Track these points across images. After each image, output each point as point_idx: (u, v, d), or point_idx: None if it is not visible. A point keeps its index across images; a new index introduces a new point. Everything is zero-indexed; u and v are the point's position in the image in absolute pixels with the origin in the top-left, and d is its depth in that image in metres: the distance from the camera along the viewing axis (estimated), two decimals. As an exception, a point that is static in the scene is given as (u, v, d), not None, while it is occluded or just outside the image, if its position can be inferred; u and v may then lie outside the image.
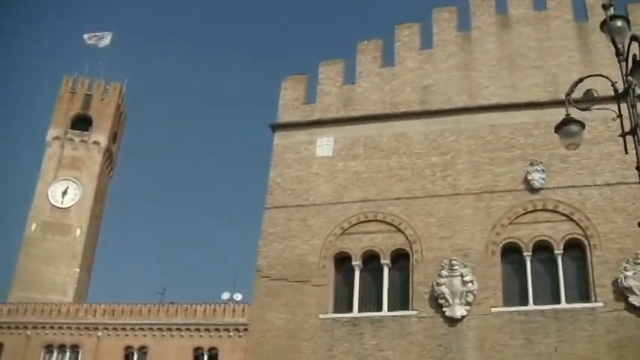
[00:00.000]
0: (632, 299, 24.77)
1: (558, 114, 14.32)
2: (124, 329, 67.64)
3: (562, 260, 26.55)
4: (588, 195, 27.07)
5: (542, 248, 26.92)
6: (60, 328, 68.60)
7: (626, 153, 13.12)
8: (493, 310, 25.99)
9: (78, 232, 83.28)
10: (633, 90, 12.76)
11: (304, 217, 29.51)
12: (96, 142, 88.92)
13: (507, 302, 26.31)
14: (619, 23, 13.42)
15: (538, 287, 26.47)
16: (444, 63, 31.52)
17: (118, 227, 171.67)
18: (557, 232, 26.81)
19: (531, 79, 30.01)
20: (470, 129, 29.59)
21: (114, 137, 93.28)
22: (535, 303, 26.03)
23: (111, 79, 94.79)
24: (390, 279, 27.96)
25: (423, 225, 28.09)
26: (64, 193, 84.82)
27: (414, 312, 26.66)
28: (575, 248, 26.67)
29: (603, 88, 13.75)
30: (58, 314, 69.70)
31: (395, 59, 32.31)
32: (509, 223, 27.32)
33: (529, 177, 27.72)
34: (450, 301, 26.10)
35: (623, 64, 13.03)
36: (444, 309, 26.17)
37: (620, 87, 13.16)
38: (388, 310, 27.27)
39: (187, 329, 66.91)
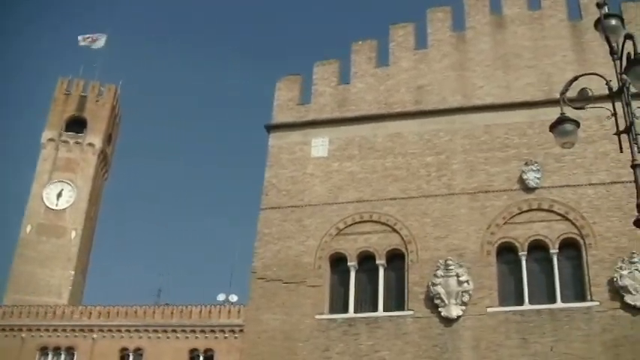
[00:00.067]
0: (628, 298, 24.77)
1: (553, 113, 14.30)
2: (120, 331, 67.65)
3: (557, 260, 26.55)
4: (583, 194, 27.09)
5: (538, 248, 26.92)
6: (55, 330, 68.60)
7: (621, 151, 13.10)
8: (489, 309, 25.98)
9: (73, 234, 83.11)
10: (628, 88, 12.75)
11: (299, 217, 29.48)
12: (91, 144, 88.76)
13: (503, 302, 26.30)
14: (613, 22, 13.41)
15: (534, 287, 26.46)
16: (438, 63, 31.52)
17: (112, 229, 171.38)
18: (553, 232, 26.81)
19: (526, 78, 30.02)
20: (464, 129, 29.59)
21: (109, 139, 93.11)
22: (531, 303, 26.02)
23: (106, 80, 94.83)
24: (385, 279, 27.94)
25: (418, 225, 28.07)
26: (59, 195, 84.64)
27: (410, 312, 26.64)
28: (571, 247, 26.67)
29: (598, 87, 13.72)
30: (53, 316, 69.69)
31: (389, 59, 32.30)
32: (505, 223, 27.31)
33: (524, 176, 27.72)
34: (446, 301, 26.08)
35: (618, 62, 13.03)
36: (439, 309, 26.15)
37: (615, 85, 13.14)
38: (384, 311, 27.25)
39: (183, 331, 66.95)
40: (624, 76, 12.57)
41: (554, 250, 26.54)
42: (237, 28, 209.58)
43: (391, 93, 31.38)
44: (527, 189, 27.63)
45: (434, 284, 26.42)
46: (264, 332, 27.51)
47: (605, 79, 13.29)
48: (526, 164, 27.90)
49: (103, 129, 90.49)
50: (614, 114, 13.00)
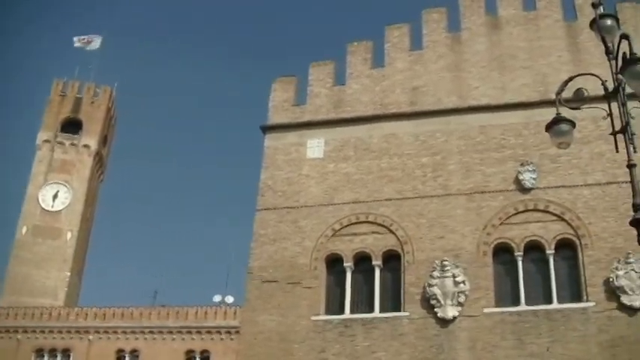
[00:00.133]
0: (624, 299, 24.78)
1: (548, 114, 14.29)
2: (116, 332, 67.62)
3: (553, 260, 26.56)
4: (579, 194, 27.10)
5: (534, 248, 26.93)
6: (51, 332, 68.54)
7: (617, 151, 13.10)
8: (485, 310, 25.97)
9: (68, 235, 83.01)
10: (623, 88, 12.75)
11: (295, 218, 29.46)
12: (86, 146, 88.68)
13: (499, 303, 26.30)
14: (608, 22, 13.42)
15: (530, 287, 26.46)
16: (433, 64, 31.52)
17: (108, 230, 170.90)
18: (549, 232, 26.81)
19: (521, 79, 30.02)
20: (460, 130, 29.59)
21: (104, 140, 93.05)
22: (527, 303, 26.02)
23: (101, 82, 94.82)
24: (381, 280, 27.93)
25: (414, 226, 28.07)
26: (55, 196, 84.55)
27: (406, 313, 26.63)
28: (567, 248, 26.69)
29: (593, 88, 13.72)
30: (48, 318, 69.63)
31: (385, 60, 32.30)
32: (501, 224, 27.32)
33: (520, 177, 27.73)
34: (442, 302, 26.07)
35: (613, 62, 13.03)
36: (435, 310, 26.15)
37: (610, 86, 13.14)
38: (380, 312, 27.24)
39: (179, 332, 66.93)
40: (620, 76, 12.57)
41: (550, 251, 26.55)
42: (233, 29, 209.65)
43: (387, 94, 31.37)
44: (523, 189, 27.64)
45: (430, 285, 26.42)
46: (260, 333, 27.48)
47: (600, 79, 13.29)
48: (522, 165, 27.91)
49: (98, 130, 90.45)
50: (610, 114, 13.00)
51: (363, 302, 27.89)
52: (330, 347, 26.68)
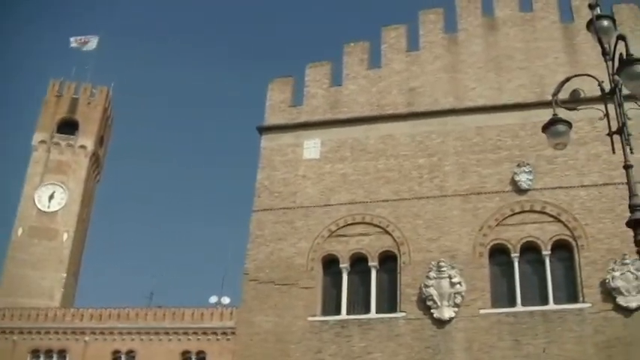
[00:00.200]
0: (620, 300, 24.81)
1: (545, 115, 14.27)
2: (112, 333, 67.53)
3: (550, 261, 26.57)
4: (576, 196, 27.11)
5: (530, 249, 26.94)
6: (47, 332, 68.45)
7: (614, 153, 13.10)
8: (481, 311, 25.98)
9: (65, 236, 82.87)
10: (620, 89, 12.75)
11: (292, 219, 29.45)
12: (82, 146, 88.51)
13: (495, 304, 26.31)
14: (605, 23, 13.41)
15: (526, 288, 26.48)
16: (430, 65, 31.52)
17: (105, 231, 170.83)
18: (545, 233, 26.83)
19: (518, 80, 30.04)
20: (456, 131, 29.61)
21: (100, 141, 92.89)
22: (523, 304, 26.03)
23: (98, 82, 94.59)
24: (377, 281, 27.93)
25: (410, 227, 28.07)
26: (51, 197, 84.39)
27: (402, 314, 26.63)
28: (563, 249, 26.70)
29: (590, 89, 13.72)
30: (45, 319, 69.50)
31: (381, 61, 32.30)
32: (497, 225, 27.33)
33: (516, 178, 27.75)
34: (438, 303, 26.08)
35: (610, 63, 13.03)
36: (432, 311, 26.15)
37: (607, 87, 13.14)
38: (376, 313, 27.24)
39: (175, 333, 66.86)
40: (616, 77, 12.57)
41: (546, 252, 26.57)
42: (230, 30, 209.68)
43: (383, 95, 31.37)
44: (520, 191, 27.65)
45: (426, 286, 26.43)
46: (257, 334, 27.47)
47: (597, 79, 13.29)
48: (518, 166, 27.92)
49: (94, 131, 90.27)
50: (607, 115, 13.00)
51: (360, 303, 27.88)
52: (326, 348, 26.67)
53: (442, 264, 26.55)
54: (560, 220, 26.85)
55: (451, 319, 25.95)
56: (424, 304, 26.38)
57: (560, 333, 24.96)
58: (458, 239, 27.36)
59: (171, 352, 66.24)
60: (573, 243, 26.38)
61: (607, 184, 26.82)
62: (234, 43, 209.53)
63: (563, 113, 13.65)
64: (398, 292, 27.17)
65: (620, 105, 12.80)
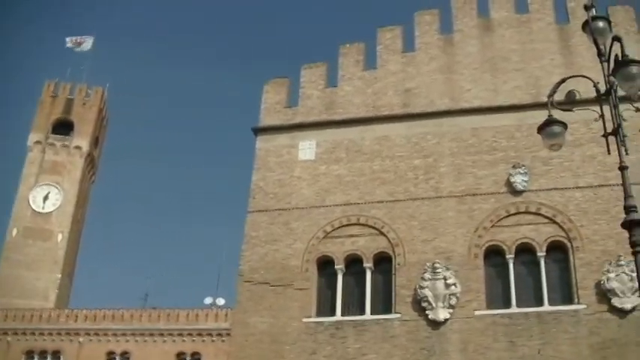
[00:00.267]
0: (615, 301, 24.82)
1: (540, 116, 14.28)
2: (106, 334, 67.40)
3: (545, 263, 26.57)
4: (571, 197, 27.12)
5: (525, 251, 26.94)
6: (41, 334, 68.29)
7: (609, 154, 13.09)
8: (476, 313, 25.97)
9: (59, 237, 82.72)
10: (615, 90, 12.74)
11: (287, 220, 29.42)
12: (77, 147, 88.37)
13: (490, 305, 26.30)
14: (601, 24, 13.41)
15: (521, 290, 26.47)
16: (426, 66, 31.52)
17: (99, 232, 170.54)
18: (540, 235, 26.83)
19: (513, 81, 30.05)
20: (452, 132, 29.60)
21: (96, 142, 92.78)
22: (518, 306, 26.03)
23: (93, 83, 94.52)
24: (372, 282, 27.91)
25: (405, 228, 28.05)
26: (46, 198, 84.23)
27: (397, 315, 26.61)
28: (558, 250, 26.71)
29: (585, 90, 13.74)
30: (39, 320, 69.34)
31: (377, 62, 32.30)
32: (492, 226, 27.33)
33: (511, 179, 27.75)
34: (433, 304, 26.06)
35: (605, 64, 13.02)
36: (427, 312, 26.13)
37: (602, 88, 13.13)
38: (371, 314, 27.21)
39: (170, 334, 66.74)
40: (612, 78, 12.57)
41: (541, 253, 26.57)
42: (225, 30, 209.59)
43: (379, 96, 31.36)
44: (515, 192, 27.66)
45: (421, 287, 26.41)
46: (252, 335, 27.43)
47: (592, 80, 13.29)
48: (514, 167, 27.93)
49: (90, 132, 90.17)
50: (602, 116, 12.99)
51: (355, 304, 27.85)
52: (321, 349, 26.64)
53: (437, 265, 26.53)
54: (555, 222, 26.86)
55: (446, 320, 25.94)
56: (419, 305, 26.36)
57: (555, 334, 24.96)
58: (453, 240, 27.35)
59: (166, 353, 66.13)
60: (568, 244, 26.39)
61: (602, 185, 26.84)
62: (230, 43, 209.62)
63: (558, 114, 13.64)
64: (393, 294, 27.15)
65: (616, 106, 12.80)
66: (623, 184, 12.60)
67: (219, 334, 65.14)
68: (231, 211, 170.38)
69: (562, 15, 31.18)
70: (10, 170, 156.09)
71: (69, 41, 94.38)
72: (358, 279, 28.16)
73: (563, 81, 13.98)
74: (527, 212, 27.31)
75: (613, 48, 12.99)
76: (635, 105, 12.70)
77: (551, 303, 25.86)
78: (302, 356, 26.64)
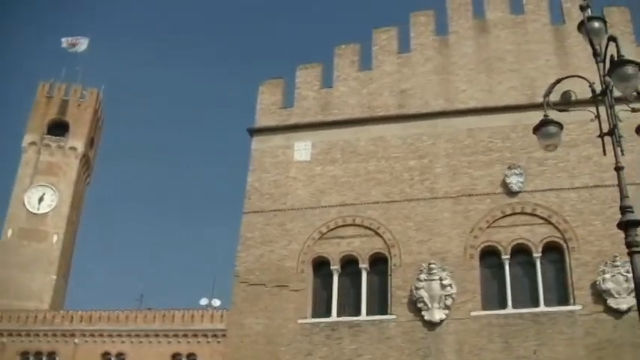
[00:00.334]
0: (611, 302, 24.82)
1: (536, 117, 14.23)
2: (102, 335, 67.37)
3: (540, 263, 26.57)
4: (566, 198, 27.13)
5: (521, 251, 26.93)
6: (36, 335, 68.25)
7: (605, 154, 13.07)
8: (472, 313, 25.95)
9: (54, 238, 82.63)
10: (611, 91, 12.73)
11: (282, 221, 29.38)
12: (73, 148, 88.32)
13: (486, 306, 26.29)
14: (596, 24, 13.41)
15: (517, 291, 26.46)
16: (421, 67, 31.51)
17: (95, 233, 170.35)
18: (536, 235, 26.83)
19: (509, 82, 30.05)
20: (447, 133, 29.59)
21: (91, 142, 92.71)
22: (514, 306, 26.02)
23: (88, 84, 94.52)
24: (368, 283, 27.88)
25: (401, 229, 28.03)
26: (41, 199, 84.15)
27: (393, 316, 26.59)
28: (554, 251, 26.71)
29: (581, 91, 13.70)
30: (34, 321, 69.30)
31: (372, 63, 32.28)
32: (488, 227, 27.32)
33: (507, 180, 27.75)
34: (429, 305, 26.04)
35: (601, 65, 13.01)
36: (422, 313, 26.11)
37: (598, 88, 13.12)
38: (367, 315, 27.18)
39: (165, 335, 66.73)
40: (607, 79, 12.55)
41: (537, 254, 26.57)
42: (221, 31, 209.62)
43: (374, 97, 31.34)
44: (511, 193, 27.65)
45: (417, 288, 26.39)
46: (247, 336, 27.39)
47: (588, 81, 13.26)
48: (509, 168, 27.93)
49: (85, 133, 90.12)
50: (598, 116, 12.98)
51: (350, 305, 27.82)
52: (316, 350, 26.61)
53: (433, 266, 26.52)
54: (550, 222, 26.86)
55: (442, 321, 25.92)
56: (415, 306, 26.34)
57: (551, 335, 24.96)
58: (448, 241, 27.34)
59: (162, 354, 66.09)
60: (564, 245, 26.40)
61: (598, 186, 26.85)
62: (226, 44, 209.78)
63: (554, 115, 13.62)
64: (388, 295, 27.12)
65: (611, 106, 12.78)
66: (619, 185, 12.58)
67: (215, 335, 65.10)
68: (228, 212, 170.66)
69: (557, 16, 31.24)
70: (5, 171, 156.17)
71: (64, 42, 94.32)
72: (354, 280, 28.12)
73: (558, 81, 13.98)
74: (522, 213, 27.30)
75: (609, 48, 12.99)
76: (631, 105, 12.67)
77: (546, 304, 25.86)
78: (297, 357, 26.60)
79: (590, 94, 13.33)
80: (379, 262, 28.01)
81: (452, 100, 30.34)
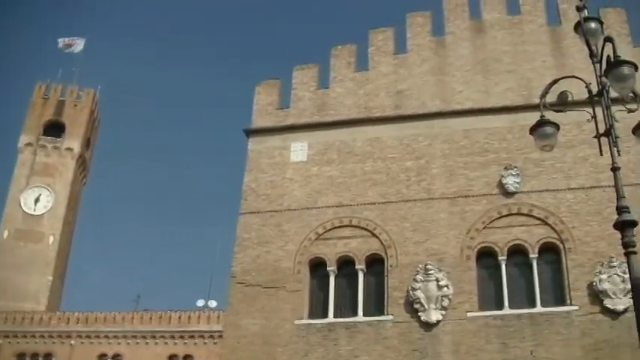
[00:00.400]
0: (607, 302, 24.84)
1: (532, 118, 14.22)
2: (98, 337, 67.26)
3: (537, 264, 26.58)
4: (563, 199, 27.14)
5: (517, 252, 26.94)
6: (33, 336, 68.10)
7: (601, 155, 13.07)
8: (469, 314, 25.95)
9: (51, 239, 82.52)
10: (607, 91, 12.73)
11: (279, 222, 29.36)
12: (69, 149, 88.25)
13: (483, 307, 26.29)
14: (593, 25, 13.40)
15: (513, 291, 26.47)
16: (418, 68, 31.51)
17: (91, 234, 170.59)
18: (532, 236, 26.83)
19: (505, 83, 30.06)
20: (444, 133, 29.60)
21: (87, 143, 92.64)
22: (510, 307, 26.02)
23: (84, 84, 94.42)
24: (365, 284, 27.86)
25: (397, 230, 28.02)
26: (37, 200, 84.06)
27: (390, 317, 26.58)
28: (550, 252, 26.72)
29: (577, 92, 13.70)
30: (30, 323, 69.15)
31: (369, 64, 32.26)
32: (484, 228, 27.32)
33: (503, 181, 27.75)
34: (426, 306, 26.03)
35: (597, 65, 13.00)
36: (419, 314, 26.11)
37: (594, 89, 13.12)
38: (363, 316, 27.17)
39: (162, 336, 66.66)
40: (604, 79, 12.55)
41: (533, 255, 26.57)
42: (217, 32, 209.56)
43: (370, 97, 31.33)
44: (507, 193, 27.66)
45: (413, 289, 26.38)
46: (244, 337, 27.36)
47: (584, 81, 13.27)
48: (505, 169, 27.93)
49: (81, 133, 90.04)
50: (594, 117, 12.98)
51: (347, 306, 27.80)
52: (313, 351, 26.59)
53: (429, 267, 26.51)
54: (547, 223, 26.87)
55: (438, 322, 25.92)
56: (411, 307, 26.33)
57: (547, 336, 24.97)
58: (445, 242, 27.34)
59: (158, 355, 66.03)
60: (560, 246, 26.41)
61: (594, 186, 26.87)
62: (223, 44, 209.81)
63: (550, 115, 13.61)
64: (385, 295, 27.11)
65: (608, 107, 12.78)
66: (616, 185, 12.57)
67: (212, 336, 65.06)
68: (225, 212, 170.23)
69: (554, 17, 31.27)
70: (1, 172, 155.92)
71: (60, 42, 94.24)
72: (350, 281, 28.11)
73: (555, 82, 13.97)
74: (519, 214, 27.31)
75: (605, 49, 12.98)
76: (628, 106, 12.67)
77: (543, 304, 25.87)
78: (294, 358, 26.58)
79: (586, 95, 13.32)
80: (376, 263, 27.99)
81: (448, 101, 30.34)
